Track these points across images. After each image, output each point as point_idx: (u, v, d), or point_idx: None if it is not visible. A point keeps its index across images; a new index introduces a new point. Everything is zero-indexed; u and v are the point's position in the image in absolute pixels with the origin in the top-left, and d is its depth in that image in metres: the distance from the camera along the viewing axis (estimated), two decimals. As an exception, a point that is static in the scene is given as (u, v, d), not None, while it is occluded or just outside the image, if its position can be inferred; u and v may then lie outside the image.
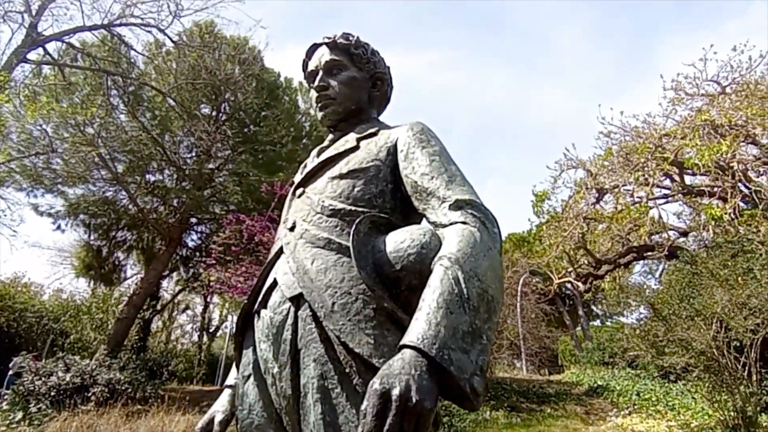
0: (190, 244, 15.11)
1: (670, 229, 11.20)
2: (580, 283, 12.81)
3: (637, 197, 10.62)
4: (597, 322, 23.16)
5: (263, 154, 12.49)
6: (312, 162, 1.26)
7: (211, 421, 1.17)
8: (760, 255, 6.61)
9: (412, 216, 1.13)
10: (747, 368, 5.50)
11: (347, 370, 0.88)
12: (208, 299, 20.63)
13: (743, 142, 9.10)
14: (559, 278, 13.25)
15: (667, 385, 8.43)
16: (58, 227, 13.61)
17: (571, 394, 9.15)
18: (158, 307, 16.60)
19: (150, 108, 12.10)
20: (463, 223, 0.93)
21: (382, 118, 1.41)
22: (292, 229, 1.11)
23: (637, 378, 9.80)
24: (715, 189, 9.30)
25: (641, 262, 14.44)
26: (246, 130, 12.83)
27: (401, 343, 0.73)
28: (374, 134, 1.21)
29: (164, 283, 16.98)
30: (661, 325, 6.49)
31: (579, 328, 18.93)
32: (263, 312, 1.06)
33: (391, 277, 0.93)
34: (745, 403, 5.30)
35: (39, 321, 12.41)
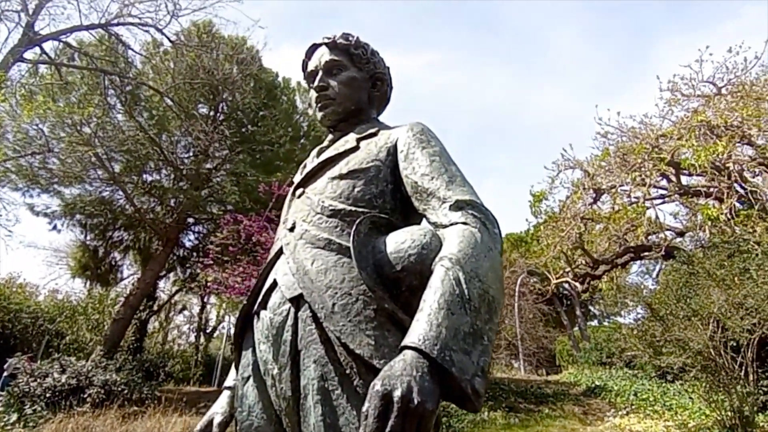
0: (188, 244, 15.07)
1: (667, 230, 11.24)
2: (577, 283, 12.84)
3: (634, 197, 10.67)
4: (594, 322, 23.23)
5: (261, 154, 12.47)
6: (312, 162, 1.26)
7: (210, 422, 1.17)
8: (756, 255, 6.65)
9: (412, 216, 1.13)
10: (744, 368, 5.53)
11: (348, 372, 0.87)
12: (205, 300, 20.55)
13: (739, 142, 9.15)
14: (557, 278, 13.28)
15: (664, 385, 8.46)
16: (54, 227, 13.56)
17: (569, 395, 9.16)
18: (155, 308, 16.54)
19: (147, 108, 12.05)
20: (464, 223, 0.93)
21: (381, 118, 1.41)
22: (291, 229, 1.10)
23: (634, 378, 9.83)
24: (712, 189, 9.35)
25: (638, 262, 14.49)
26: (244, 130, 12.81)
27: (402, 344, 0.73)
28: (374, 134, 1.21)
29: (161, 284, 16.93)
30: (659, 325, 6.51)
31: (576, 328, 18.97)
32: (263, 313, 1.06)
33: (392, 278, 0.92)
34: (742, 402, 5.32)
35: (34, 322, 12.33)
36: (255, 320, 1.09)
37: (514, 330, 15.80)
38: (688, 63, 10.70)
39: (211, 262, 8.73)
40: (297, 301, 0.99)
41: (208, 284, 10.14)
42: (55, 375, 7.67)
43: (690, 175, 10.28)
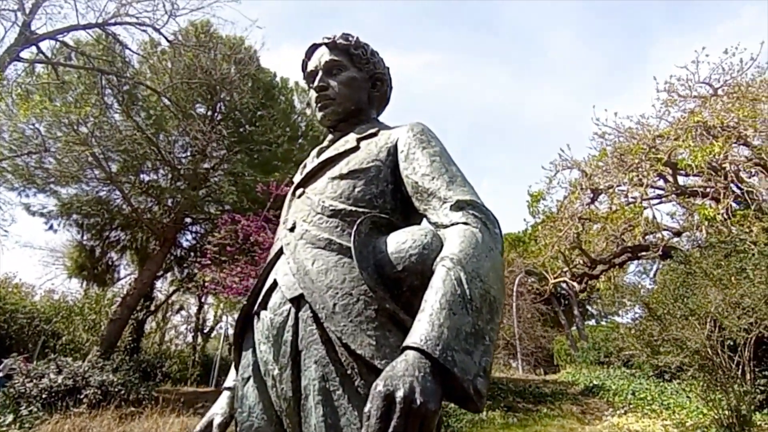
0: (185, 244, 15.03)
1: (664, 229, 11.30)
2: (575, 283, 12.88)
3: (632, 197, 10.72)
4: (592, 322, 23.30)
5: (259, 154, 12.44)
6: (312, 162, 1.26)
7: (210, 423, 1.16)
8: (753, 255, 6.69)
9: (413, 216, 1.13)
10: (741, 367, 5.55)
11: (349, 372, 0.87)
12: (203, 300, 20.47)
13: (735, 143, 9.20)
14: (555, 278, 13.31)
15: (662, 384, 8.49)
16: (51, 227, 13.48)
17: (567, 394, 9.19)
18: (152, 308, 16.47)
19: (145, 107, 12.00)
20: (465, 223, 0.92)
21: (380, 118, 1.41)
22: (292, 229, 1.10)
23: (632, 377, 9.86)
24: (708, 189, 9.40)
25: (636, 261, 14.55)
26: (241, 129, 12.78)
27: (404, 344, 0.73)
28: (374, 134, 1.21)
29: (158, 284, 16.86)
30: (656, 325, 6.54)
31: (574, 328, 19.03)
32: (263, 313, 1.05)
33: (393, 278, 0.92)
34: (740, 401, 5.35)
35: (30, 322, 12.27)
36: (255, 321, 1.08)
37: (512, 330, 15.84)
38: (685, 64, 10.72)
39: (209, 262, 8.71)
40: (298, 302, 0.99)
41: (206, 284, 10.11)
42: (52, 376, 7.63)
43: (687, 175, 10.33)
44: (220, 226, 9.02)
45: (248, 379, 1.04)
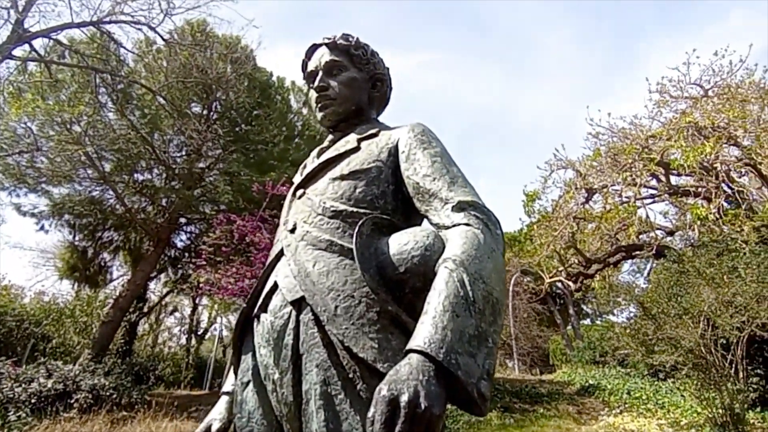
0: (179, 244, 14.89)
1: (657, 229, 11.39)
2: (570, 282, 12.96)
3: (625, 197, 10.80)
4: (587, 321, 23.43)
5: (255, 154, 12.37)
6: (312, 163, 1.25)
7: (208, 429, 1.14)
8: (744, 254, 6.77)
9: (414, 217, 1.13)
10: (734, 365, 5.61)
11: (351, 376, 0.86)
12: (197, 301, 20.35)
13: (726, 143, 9.29)
14: (550, 277, 13.38)
15: (656, 383, 8.54)
16: (42, 228, 13.31)
17: (563, 394, 9.22)
18: (145, 310, 16.32)
19: (139, 106, 11.89)
20: (467, 224, 0.92)
21: (379, 118, 1.40)
22: (292, 231, 1.09)
23: (627, 377, 9.92)
24: (700, 189, 9.49)
25: (630, 261, 14.66)
26: (237, 129, 12.71)
27: (408, 347, 0.73)
28: (375, 135, 1.20)
29: (152, 285, 16.70)
30: (651, 324, 6.58)
31: (570, 327, 19.13)
32: (263, 316, 1.04)
33: (395, 280, 0.92)
34: (733, 400, 5.40)
35: (19, 325, 12.07)
36: (255, 323, 1.07)
37: (509, 329, 15.89)
38: (676, 66, 10.85)
39: (204, 262, 8.65)
40: (299, 304, 0.98)
41: (200, 285, 10.04)
42: (41, 380, 7.48)
43: (679, 175, 10.44)
44: (215, 226, 8.96)
45: (248, 383, 1.03)
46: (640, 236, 11.35)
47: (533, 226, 13.50)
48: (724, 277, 6.14)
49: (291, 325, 0.97)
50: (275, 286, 1.04)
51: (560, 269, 13.14)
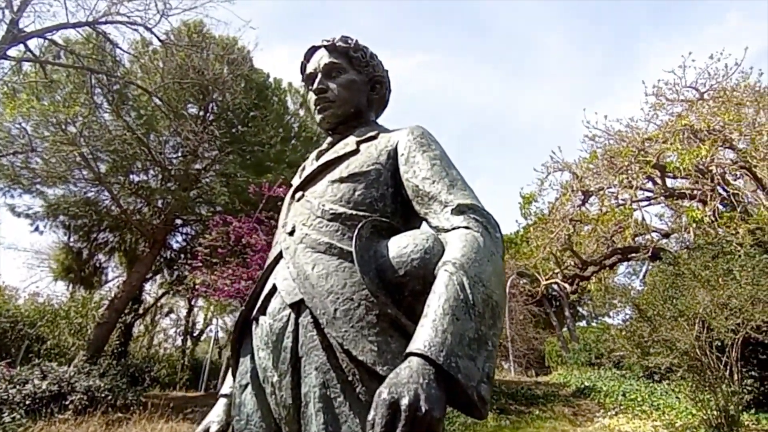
0: (175, 246, 14.81)
1: (653, 231, 11.46)
2: (566, 284, 13.00)
3: (621, 199, 10.86)
4: (583, 323, 23.50)
5: (251, 155, 12.34)
6: (311, 165, 1.25)
7: (206, 431, 1.14)
8: (739, 256, 6.81)
9: (413, 219, 1.13)
10: (729, 367, 5.63)
11: (350, 379, 0.86)
12: (193, 303, 20.24)
13: (721, 146, 9.38)
14: (546, 279, 13.43)
15: (651, 385, 8.58)
16: (36, 229, 13.19)
17: (559, 396, 9.24)
18: (141, 311, 16.21)
19: (135, 107, 11.83)
20: (466, 227, 0.93)
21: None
22: (291, 233, 1.09)
23: (622, 378, 9.95)
24: (696, 192, 9.56)
25: (625, 263, 14.72)
26: (234, 130, 12.67)
27: (408, 350, 0.73)
28: (374, 137, 1.20)
29: (147, 286, 16.62)
30: (646, 326, 6.61)
31: (565, 329, 19.17)
32: (262, 319, 1.04)
33: (394, 283, 0.92)
34: (728, 402, 5.42)
35: (13, 326, 11.96)
36: (253, 326, 1.07)
37: (505, 331, 15.89)
38: (672, 69, 10.95)
39: (200, 264, 8.61)
40: (298, 307, 0.97)
41: (196, 287, 10.00)
42: (36, 381, 7.44)
43: (675, 177, 10.50)
44: (211, 227, 8.92)
45: (246, 386, 1.02)
46: (636, 238, 11.41)
47: (530, 228, 13.55)
48: (719, 279, 6.17)
49: (290, 328, 0.96)
50: (274, 289, 1.04)
51: (556, 271, 13.19)
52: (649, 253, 10.00)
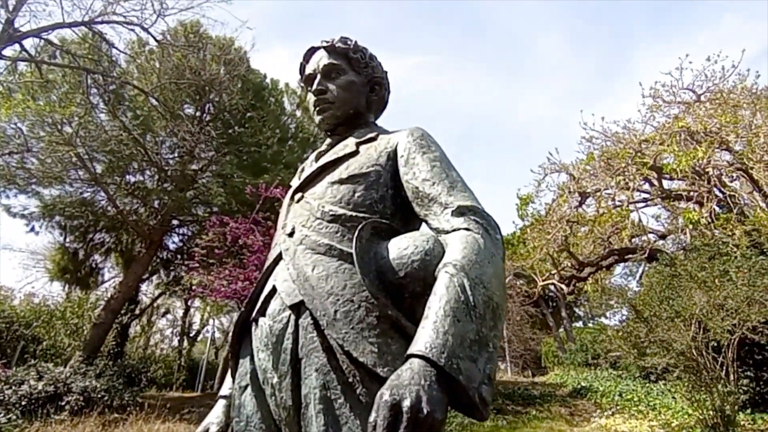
0: (172, 246, 14.77)
1: (650, 232, 11.50)
2: (563, 285, 13.03)
3: (618, 201, 10.89)
4: (579, 324, 23.60)
5: (248, 156, 12.31)
6: (310, 166, 1.24)
7: None
8: (735, 258, 6.84)
9: (412, 221, 1.13)
10: (725, 368, 5.66)
11: (350, 380, 0.86)
12: (189, 303, 20.18)
13: (717, 148, 9.42)
14: (543, 280, 13.46)
15: (648, 385, 8.61)
16: (32, 229, 13.13)
17: (556, 396, 9.27)
18: (137, 312, 16.16)
19: (131, 107, 11.79)
20: (467, 229, 0.93)
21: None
22: (291, 234, 1.09)
23: (619, 379, 10.00)
24: (692, 193, 9.61)
25: (622, 264, 14.79)
26: (231, 131, 12.64)
27: (409, 352, 0.73)
28: (374, 139, 1.20)
29: (144, 287, 16.57)
30: (643, 327, 6.63)
31: (562, 330, 19.23)
32: (261, 320, 1.03)
33: (395, 284, 0.92)
34: (724, 402, 5.45)
35: (9, 327, 11.89)
36: (253, 327, 1.06)
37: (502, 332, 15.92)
38: (669, 71, 11.02)
39: (196, 264, 8.58)
40: (298, 308, 0.97)
41: (193, 287, 9.96)
42: (32, 382, 7.40)
43: (671, 179, 10.54)
44: (208, 228, 8.89)
45: (246, 387, 1.02)
46: (633, 240, 11.46)
47: (526, 230, 13.57)
48: (716, 280, 6.20)
49: (290, 329, 0.96)
50: (274, 290, 1.04)
51: (553, 272, 13.22)
52: (646, 255, 10.04)
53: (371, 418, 0.65)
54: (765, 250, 7.34)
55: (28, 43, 9.57)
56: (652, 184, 11.07)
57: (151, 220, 12.57)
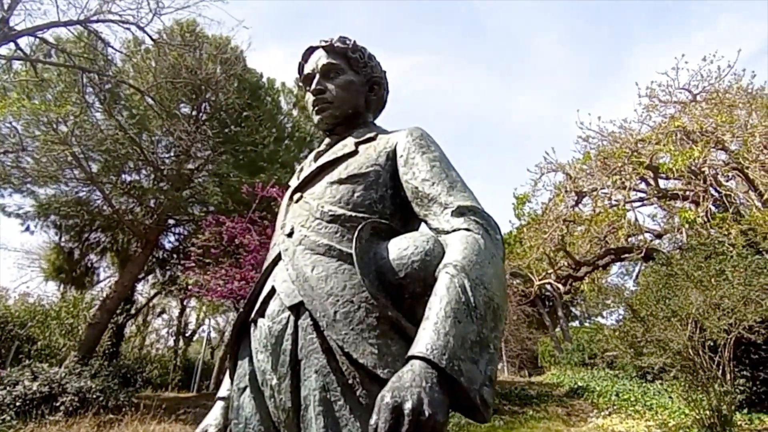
0: (168, 246, 14.71)
1: (646, 232, 11.55)
2: (559, 285, 13.06)
3: (615, 200, 10.92)
4: (576, 323, 23.67)
5: (244, 155, 12.28)
6: (309, 166, 1.24)
7: None
8: (731, 257, 6.87)
9: (412, 221, 1.12)
10: (721, 367, 5.68)
11: (350, 382, 0.85)
12: (185, 303, 20.11)
13: (713, 148, 9.47)
14: (540, 280, 13.47)
15: (644, 385, 8.65)
16: (27, 228, 13.02)
17: (552, 396, 9.29)
18: (132, 312, 16.08)
19: (127, 106, 11.72)
20: (467, 230, 0.92)
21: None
22: (290, 235, 1.08)
23: (615, 378, 10.04)
24: (688, 193, 9.64)
25: (618, 263, 14.83)
26: (227, 130, 12.60)
27: (409, 353, 0.72)
28: (373, 139, 1.20)
29: (139, 287, 16.47)
30: (639, 326, 6.64)
31: (558, 329, 19.29)
32: (260, 321, 1.02)
33: (395, 285, 0.91)
34: (720, 401, 5.47)
35: (3, 327, 11.80)
36: (252, 328, 1.05)
37: (498, 331, 15.93)
38: (665, 71, 11.07)
39: (192, 264, 8.56)
40: (297, 309, 0.96)
41: (189, 287, 9.93)
42: (26, 382, 7.36)
43: (667, 178, 10.59)
44: (204, 227, 8.87)
45: (244, 389, 1.01)
46: (629, 239, 11.49)
47: (523, 229, 13.58)
48: (712, 279, 6.22)
49: (289, 330, 0.96)
50: (273, 291, 1.03)
51: (549, 272, 13.24)
52: (642, 254, 10.07)
53: (372, 421, 0.64)
54: (761, 250, 7.39)
55: (23, 41, 9.52)
56: (648, 184, 11.11)
57: (147, 220, 12.52)
